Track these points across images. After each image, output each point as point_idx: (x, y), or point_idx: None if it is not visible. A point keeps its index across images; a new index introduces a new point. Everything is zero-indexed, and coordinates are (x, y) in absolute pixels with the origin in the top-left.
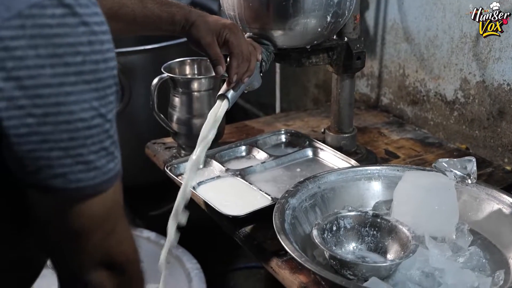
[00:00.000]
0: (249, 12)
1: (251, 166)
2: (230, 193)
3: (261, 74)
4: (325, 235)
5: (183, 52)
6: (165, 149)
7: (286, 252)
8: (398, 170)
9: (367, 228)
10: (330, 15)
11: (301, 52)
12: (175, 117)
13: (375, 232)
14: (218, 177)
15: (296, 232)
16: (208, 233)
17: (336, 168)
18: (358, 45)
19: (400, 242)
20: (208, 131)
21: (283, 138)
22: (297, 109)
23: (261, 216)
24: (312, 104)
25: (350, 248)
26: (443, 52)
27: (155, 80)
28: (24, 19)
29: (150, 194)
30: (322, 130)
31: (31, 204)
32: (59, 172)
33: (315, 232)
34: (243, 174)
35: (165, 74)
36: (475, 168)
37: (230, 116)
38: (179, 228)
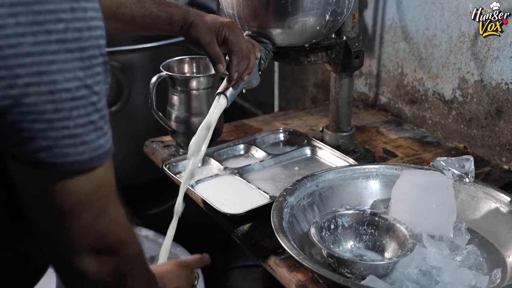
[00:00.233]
0: (248, 10)
1: (250, 165)
2: (228, 191)
3: (260, 73)
4: (323, 233)
5: (182, 51)
6: (164, 147)
7: (284, 250)
8: (396, 169)
9: (365, 227)
10: (329, 13)
11: (300, 50)
12: (173, 116)
13: (373, 231)
14: (217, 175)
15: (294, 230)
16: (206, 231)
17: (334, 166)
18: (356, 44)
19: (397, 241)
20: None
21: (281, 136)
22: (295, 108)
23: (259, 215)
24: (311, 103)
25: (348, 247)
26: (441, 51)
27: (154, 79)
28: None
29: (148, 193)
30: (321, 129)
31: (18, 183)
32: (44, 145)
33: (313, 231)
34: (241, 172)
35: (164, 73)
36: (473, 167)
37: (228, 115)
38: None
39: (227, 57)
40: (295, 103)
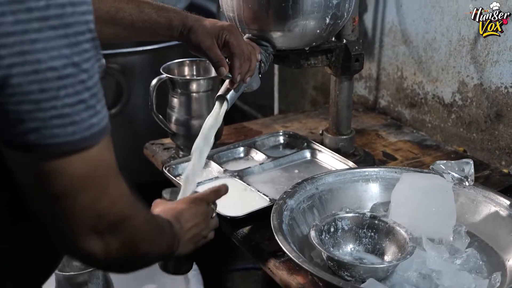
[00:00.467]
0: (248, 13)
1: (249, 167)
2: (228, 194)
3: (260, 76)
4: (322, 236)
5: (182, 53)
6: (164, 149)
7: (284, 253)
8: (395, 172)
9: (364, 230)
10: (329, 17)
11: (300, 53)
12: (173, 118)
13: (372, 234)
14: (216, 178)
15: (293, 233)
16: None
17: (334, 169)
18: (356, 47)
19: (397, 244)
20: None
21: (281, 139)
22: (295, 111)
23: (259, 217)
24: (310, 106)
25: (348, 250)
26: (441, 55)
27: (154, 81)
28: None
29: (148, 195)
30: (320, 132)
31: (12, 169)
32: (32, 127)
33: (312, 233)
34: (241, 175)
35: (164, 75)
36: (472, 170)
37: (228, 118)
38: None
39: (227, 60)
40: (294, 106)
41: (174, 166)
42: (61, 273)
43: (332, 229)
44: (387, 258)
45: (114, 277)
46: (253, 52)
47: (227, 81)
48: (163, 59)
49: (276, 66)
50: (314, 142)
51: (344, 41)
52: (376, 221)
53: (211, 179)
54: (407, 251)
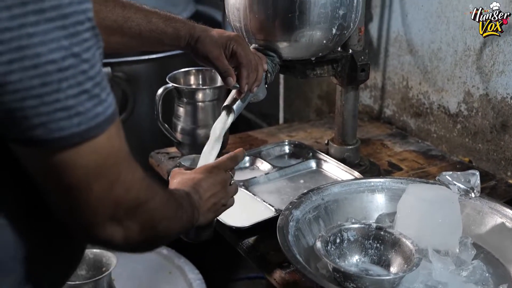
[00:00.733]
0: (255, 23)
1: (255, 177)
2: (234, 204)
3: (266, 86)
4: (328, 247)
5: (187, 62)
6: (169, 159)
7: (290, 264)
8: (401, 183)
9: (370, 241)
10: (336, 27)
11: (306, 63)
12: (179, 127)
13: (378, 245)
14: None
15: (299, 244)
16: (210, 243)
17: (340, 180)
18: (362, 57)
19: (403, 255)
20: (212, 145)
21: (286, 149)
22: (300, 120)
23: (265, 228)
24: (315, 115)
25: (354, 261)
26: (446, 65)
27: (160, 90)
28: None
29: None
30: (326, 142)
31: (25, 165)
32: (38, 122)
33: (318, 244)
34: (246, 185)
35: (170, 84)
36: (478, 181)
37: (233, 126)
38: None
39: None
40: (299, 114)
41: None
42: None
43: (338, 240)
44: (393, 269)
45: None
46: (260, 62)
47: (233, 91)
48: (168, 68)
49: (281, 75)
50: (319, 152)
51: (350, 51)
52: (382, 232)
53: None
54: (413, 262)
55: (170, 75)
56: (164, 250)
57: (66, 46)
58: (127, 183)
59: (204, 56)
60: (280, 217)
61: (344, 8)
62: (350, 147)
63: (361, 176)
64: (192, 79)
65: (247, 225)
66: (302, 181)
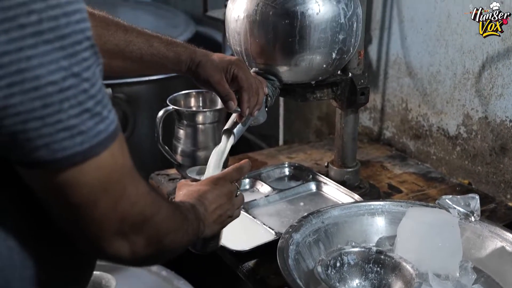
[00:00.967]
0: (255, 48)
1: (255, 200)
2: (234, 226)
3: (267, 109)
4: (328, 271)
5: (187, 84)
6: (169, 180)
7: None
8: (401, 206)
9: (370, 265)
10: (335, 52)
11: (306, 87)
12: (179, 149)
13: (378, 269)
14: None
15: (299, 267)
16: (210, 265)
17: (340, 203)
18: (362, 81)
19: (403, 279)
20: (213, 169)
21: (286, 171)
22: (299, 140)
23: (265, 251)
24: (315, 136)
25: (354, 285)
26: (445, 88)
27: (161, 113)
28: None
29: None
30: (326, 164)
31: (30, 186)
32: (41, 143)
33: (319, 269)
34: (246, 207)
35: (171, 107)
36: (478, 205)
37: (233, 147)
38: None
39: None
40: (299, 135)
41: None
42: None
43: (338, 264)
44: None
45: None
46: (261, 86)
47: (233, 115)
48: (168, 89)
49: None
50: (319, 174)
51: (350, 74)
52: (382, 256)
53: None
54: (413, 287)
55: (170, 97)
56: (163, 272)
57: (65, 66)
58: (132, 198)
59: (206, 81)
60: (280, 241)
61: (343, 33)
62: (350, 169)
63: (361, 199)
64: (192, 101)
65: (247, 249)
66: (302, 203)
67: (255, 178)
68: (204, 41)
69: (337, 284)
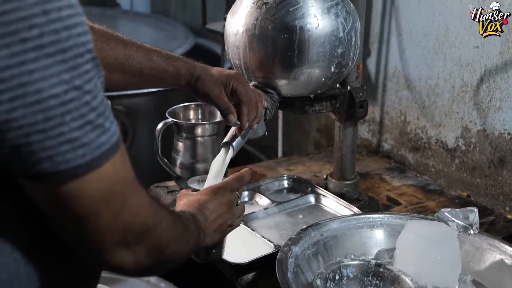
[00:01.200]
0: (254, 61)
1: (254, 212)
2: (233, 239)
3: (265, 122)
4: (327, 284)
5: (187, 97)
6: (168, 193)
7: None
8: (400, 219)
9: (370, 278)
10: (334, 65)
11: (305, 100)
12: (178, 162)
13: (378, 282)
14: None
15: (298, 280)
16: (208, 277)
17: (339, 215)
18: (360, 94)
19: None
20: (212, 179)
21: (285, 183)
22: (298, 152)
23: (264, 264)
24: (314, 148)
25: None
26: (444, 100)
27: (160, 125)
28: None
29: None
30: (325, 177)
31: (32, 198)
32: (44, 156)
33: (318, 282)
34: (245, 220)
35: (170, 119)
36: (477, 218)
37: (231, 160)
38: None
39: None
40: (298, 147)
41: None
42: None
43: (337, 277)
44: None
45: None
46: (260, 99)
47: (232, 128)
48: (167, 101)
49: None
50: (318, 186)
51: (349, 87)
52: (381, 269)
53: None
54: None
55: (169, 110)
56: (162, 284)
57: (67, 79)
58: (134, 208)
59: (205, 95)
60: (279, 254)
61: (342, 47)
62: (349, 182)
63: (360, 212)
64: (191, 114)
65: (246, 261)
66: (301, 216)
67: (254, 191)
68: (203, 54)
69: None
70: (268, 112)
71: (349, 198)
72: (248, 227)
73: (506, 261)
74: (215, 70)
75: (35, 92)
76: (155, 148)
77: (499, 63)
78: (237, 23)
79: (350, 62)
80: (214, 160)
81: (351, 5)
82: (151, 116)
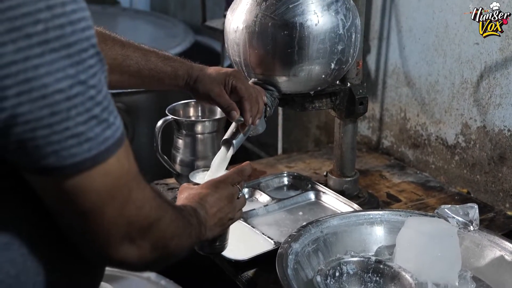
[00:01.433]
0: (254, 58)
1: (254, 209)
2: (233, 236)
3: (266, 119)
4: (328, 281)
5: (187, 94)
6: (168, 190)
7: None
8: (400, 215)
9: (370, 274)
10: (334, 62)
11: (305, 97)
12: (178, 159)
13: (378, 278)
14: None
15: (298, 277)
16: (209, 274)
17: (339, 212)
18: (360, 91)
19: None
20: (214, 173)
21: (285, 180)
22: (298, 149)
23: (264, 260)
24: (314, 145)
25: None
26: (444, 97)
27: (160, 122)
28: None
29: None
30: (325, 173)
31: (38, 193)
32: (50, 151)
33: (318, 278)
34: (245, 217)
35: (170, 116)
36: (477, 215)
37: (231, 157)
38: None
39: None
40: (298, 144)
41: None
42: None
43: (337, 274)
44: None
45: None
46: (260, 94)
47: (232, 125)
48: (167, 99)
49: None
50: (318, 183)
51: (348, 84)
52: (381, 266)
53: None
54: None
55: (169, 107)
56: (162, 281)
57: (72, 74)
58: (138, 202)
59: (206, 95)
60: (279, 250)
61: (342, 44)
62: (349, 179)
63: (360, 208)
64: (191, 111)
65: (246, 258)
66: (301, 213)
67: (254, 188)
68: (203, 51)
69: None
70: (268, 109)
71: (349, 195)
72: (248, 224)
73: (506, 257)
74: (212, 69)
75: (40, 87)
76: (155, 146)
77: (499, 59)
78: (237, 20)
79: (350, 59)
80: (214, 158)
81: (351, 1)
82: (151, 113)
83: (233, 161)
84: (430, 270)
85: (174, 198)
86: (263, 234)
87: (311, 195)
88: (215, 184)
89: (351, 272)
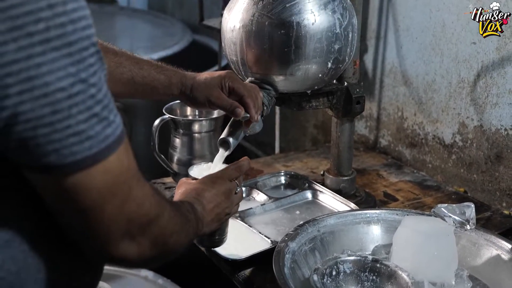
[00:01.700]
0: (251, 57)
1: (251, 208)
2: (230, 235)
3: (262, 118)
4: (324, 280)
5: None
6: (165, 189)
7: None
8: (397, 214)
9: (366, 273)
10: (331, 61)
11: (302, 96)
12: (175, 158)
13: (374, 277)
14: None
15: (295, 276)
16: (206, 273)
17: (336, 211)
18: (357, 90)
19: None
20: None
21: (282, 179)
22: (295, 148)
23: (261, 259)
24: (311, 144)
25: None
26: (441, 96)
27: (157, 121)
28: None
29: None
30: (322, 173)
31: (39, 191)
32: (51, 149)
33: (315, 277)
34: (242, 216)
35: (167, 115)
36: (474, 214)
37: (229, 156)
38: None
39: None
40: (295, 143)
41: None
42: None
43: (334, 273)
44: None
45: None
46: (256, 90)
47: (229, 124)
48: None
49: None
50: (315, 182)
51: (345, 83)
52: (378, 265)
53: None
54: None
55: (166, 106)
56: (159, 280)
57: (73, 73)
58: (138, 199)
59: (205, 101)
60: (276, 249)
61: (339, 43)
62: (346, 178)
63: (357, 208)
64: (188, 110)
65: (243, 257)
66: (298, 212)
67: (251, 187)
68: (200, 50)
69: None
70: (265, 108)
71: (346, 194)
72: (245, 223)
73: (503, 256)
74: (206, 74)
75: (42, 86)
76: (152, 145)
77: (496, 59)
78: (234, 19)
79: (347, 58)
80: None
81: (348, 1)
82: (148, 112)
83: (230, 159)
84: (426, 269)
85: (172, 197)
86: (260, 233)
87: (308, 194)
88: (213, 180)
89: (348, 271)
